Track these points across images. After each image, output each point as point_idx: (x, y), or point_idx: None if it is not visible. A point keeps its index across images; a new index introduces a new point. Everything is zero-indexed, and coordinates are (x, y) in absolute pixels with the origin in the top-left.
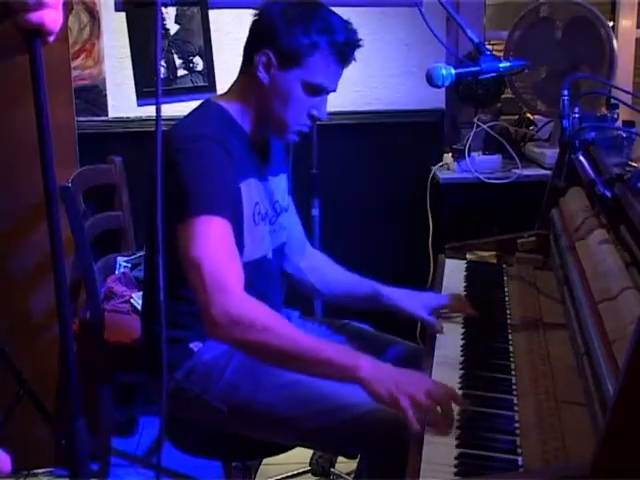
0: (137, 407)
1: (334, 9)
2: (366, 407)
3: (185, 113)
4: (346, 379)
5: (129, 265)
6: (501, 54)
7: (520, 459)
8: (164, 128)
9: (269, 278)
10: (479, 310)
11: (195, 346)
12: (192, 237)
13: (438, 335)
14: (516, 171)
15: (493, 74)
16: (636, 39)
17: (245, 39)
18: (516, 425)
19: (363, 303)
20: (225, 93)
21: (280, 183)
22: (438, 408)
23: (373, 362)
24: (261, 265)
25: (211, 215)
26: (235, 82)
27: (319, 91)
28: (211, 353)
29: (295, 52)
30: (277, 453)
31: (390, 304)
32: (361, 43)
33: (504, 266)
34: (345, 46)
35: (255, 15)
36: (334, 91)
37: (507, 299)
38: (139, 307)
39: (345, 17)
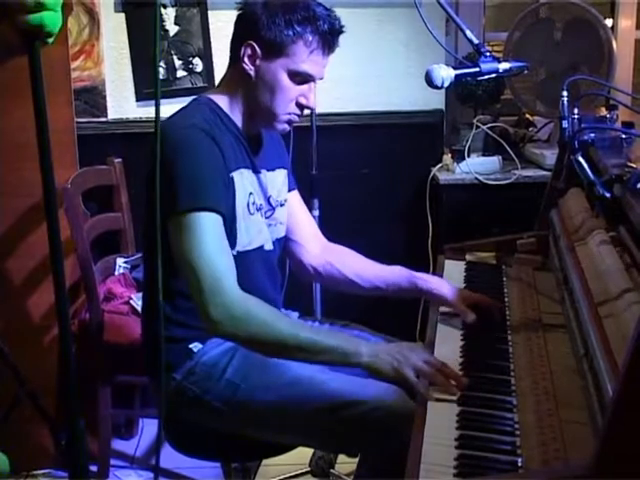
0: (136, 408)
1: (335, 9)
2: (366, 405)
3: None
4: (348, 365)
5: (128, 266)
6: (500, 55)
7: (520, 460)
8: None
9: (267, 270)
10: (479, 311)
11: (195, 347)
12: (185, 235)
13: (438, 335)
14: (515, 172)
15: (492, 75)
16: (636, 40)
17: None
18: (516, 426)
19: (402, 293)
20: (215, 87)
21: (276, 178)
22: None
23: (370, 344)
24: (259, 256)
25: (202, 211)
26: (224, 76)
27: (305, 79)
28: (211, 353)
29: (278, 42)
30: (277, 454)
31: (425, 290)
32: (344, 30)
33: (503, 267)
34: (328, 34)
35: (239, 9)
36: (321, 79)
37: (506, 300)
38: (138, 308)
39: (345, 17)
